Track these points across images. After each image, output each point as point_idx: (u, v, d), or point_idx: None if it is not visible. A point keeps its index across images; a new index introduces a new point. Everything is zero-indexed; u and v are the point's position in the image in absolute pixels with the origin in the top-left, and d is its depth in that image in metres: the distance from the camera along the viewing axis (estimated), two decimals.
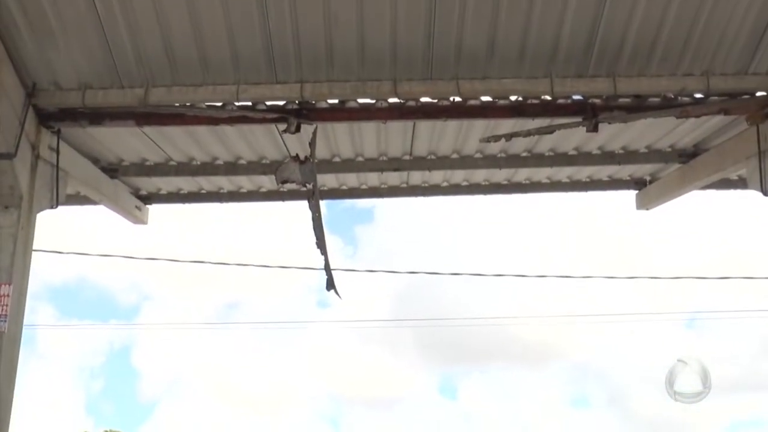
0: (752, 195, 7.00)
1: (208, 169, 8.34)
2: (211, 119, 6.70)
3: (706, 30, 6.18)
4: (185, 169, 8.32)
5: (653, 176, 9.02)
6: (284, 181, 6.82)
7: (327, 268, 6.66)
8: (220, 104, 6.60)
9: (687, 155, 8.15)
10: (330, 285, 6.64)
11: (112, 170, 8.21)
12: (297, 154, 6.88)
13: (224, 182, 9.01)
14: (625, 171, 8.96)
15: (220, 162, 8.30)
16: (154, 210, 9.41)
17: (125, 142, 7.67)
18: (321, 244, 6.66)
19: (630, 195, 9.36)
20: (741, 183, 8.40)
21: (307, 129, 6.68)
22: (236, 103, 6.56)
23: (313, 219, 6.67)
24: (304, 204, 6.77)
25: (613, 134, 7.73)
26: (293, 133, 6.61)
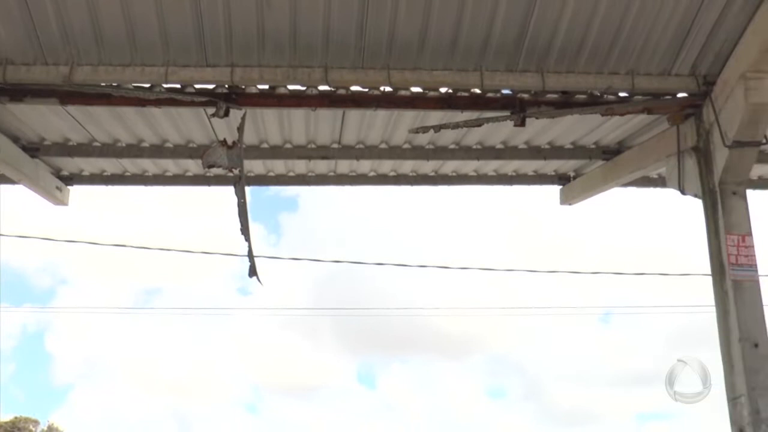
0: (670, 193, 7.21)
1: (133, 151, 8.18)
2: (138, 100, 6.57)
3: (632, 30, 6.33)
4: (109, 150, 8.15)
5: (577, 172, 9.19)
6: (211, 166, 6.75)
7: (250, 254, 6.63)
8: (147, 86, 6.49)
9: (611, 152, 8.34)
10: (252, 272, 6.61)
11: (33, 149, 7.99)
12: (225, 139, 6.82)
13: (149, 165, 8.84)
14: (550, 166, 9.09)
15: (145, 144, 8.15)
16: (76, 191, 9.18)
17: (47, 120, 7.47)
18: (245, 230, 6.62)
19: (554, 190, 9.52)
20: (660, 181, 8.63)
21: (235, 114, 6.62)
22: (164, 85, 6.46)
23: (239, 205, 6.63)
24: (229, 189, 6.72)
25: (539, 129, 7.85)
26: (222, 117, 6.55)
